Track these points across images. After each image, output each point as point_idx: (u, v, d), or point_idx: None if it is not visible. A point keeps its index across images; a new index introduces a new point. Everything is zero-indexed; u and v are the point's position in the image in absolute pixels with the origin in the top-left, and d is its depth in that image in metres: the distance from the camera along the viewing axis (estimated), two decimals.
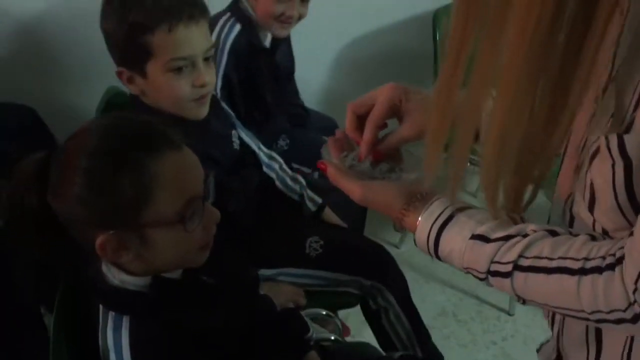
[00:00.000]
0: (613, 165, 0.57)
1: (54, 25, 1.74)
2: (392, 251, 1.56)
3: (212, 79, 1.17)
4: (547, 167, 0.66)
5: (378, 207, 0.76)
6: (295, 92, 1.98)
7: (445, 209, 0.70)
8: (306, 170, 1.74)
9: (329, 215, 1.55)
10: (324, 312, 1.34)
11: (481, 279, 0.68)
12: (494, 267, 0.65)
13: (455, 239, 0.68)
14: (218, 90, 1.55)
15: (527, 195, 0.68)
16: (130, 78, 1.15)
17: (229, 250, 0.99)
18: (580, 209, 0.64)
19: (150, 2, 1.08)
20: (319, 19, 1.73)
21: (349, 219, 1.61)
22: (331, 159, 0.82)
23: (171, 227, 0.82)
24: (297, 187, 1.52)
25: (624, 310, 0.57)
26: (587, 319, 0.61)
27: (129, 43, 1.08)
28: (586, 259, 0.60)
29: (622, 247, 0.57)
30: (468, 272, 0.69)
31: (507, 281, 0.65)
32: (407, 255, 2.15)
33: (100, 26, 1.14)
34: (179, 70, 1.11)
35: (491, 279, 0.67)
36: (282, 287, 1.35)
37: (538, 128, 0.59)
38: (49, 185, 0.81)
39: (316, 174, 1.73)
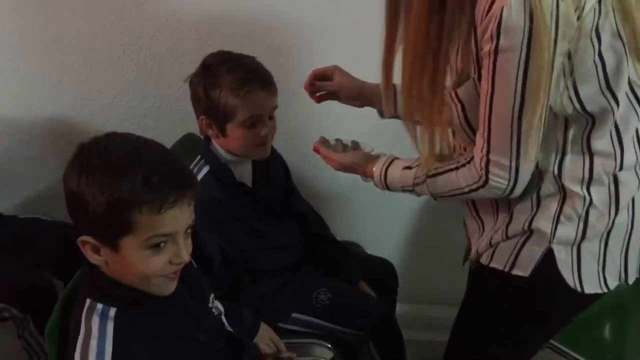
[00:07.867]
0: (456, 107, 1.10)
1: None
2: None
3: (189, 253, 1.08)
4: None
5: (349, 168, 1.33)
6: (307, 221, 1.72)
7: (386, 160, 1.26)
8: (352, 332, 1.58)
9: None
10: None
11: (411, 191, 1.22)
12: (416, 180, 1.20)
13: (395, 172, 1.24)
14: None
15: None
16: (95, 248, 1.02)
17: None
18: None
19: (142, 177, 0.98)
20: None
21: None
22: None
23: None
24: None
25: (478, 181, 1.08)
26: (464, 193, 1.12)
27: (108, 217, 0.98)
28: (458, 162, 1.13)
29: (471, 152, 1.09)
30: (404, 190, 1.23)
31: (424, 186, 1.18)
32: None
33: (67, 186, 1.01)
34: (156, 246, 1.02)
35: (416, 188, 1.20)
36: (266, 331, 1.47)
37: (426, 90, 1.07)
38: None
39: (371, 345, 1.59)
